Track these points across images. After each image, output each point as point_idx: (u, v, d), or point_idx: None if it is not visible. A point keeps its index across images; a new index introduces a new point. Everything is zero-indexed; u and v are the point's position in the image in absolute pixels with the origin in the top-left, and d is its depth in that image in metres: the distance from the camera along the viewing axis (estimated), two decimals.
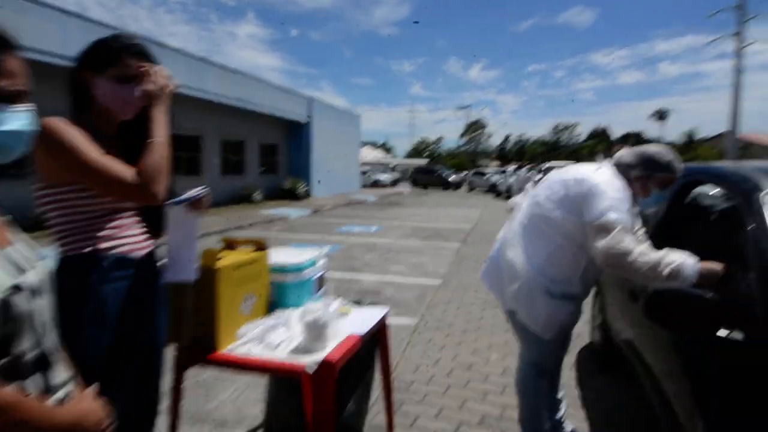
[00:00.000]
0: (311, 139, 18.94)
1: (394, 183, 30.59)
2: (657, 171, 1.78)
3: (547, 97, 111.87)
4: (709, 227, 2.59)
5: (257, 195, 15.52)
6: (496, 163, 60.15)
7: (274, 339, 1.52)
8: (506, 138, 69.04)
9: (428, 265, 6.39)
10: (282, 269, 1.80)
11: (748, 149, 33.19)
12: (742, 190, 1.63)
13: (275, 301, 1.79)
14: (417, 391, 2.82)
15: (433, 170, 31.02)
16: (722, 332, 1.30)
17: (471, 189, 27.21)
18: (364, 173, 27.61)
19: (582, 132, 65.21)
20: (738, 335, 1.27)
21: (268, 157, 18.24)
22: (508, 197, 17.41)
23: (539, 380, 2.03)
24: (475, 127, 66.71)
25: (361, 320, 1.83)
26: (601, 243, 1.60)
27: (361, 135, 26.15)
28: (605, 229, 1.60)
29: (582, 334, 3.45)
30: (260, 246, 1.74)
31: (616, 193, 1.68)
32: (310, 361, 1.43)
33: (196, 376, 2.73)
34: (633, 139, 63.80)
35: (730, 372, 1.32)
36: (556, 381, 2.20)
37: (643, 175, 1.78)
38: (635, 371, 2.17)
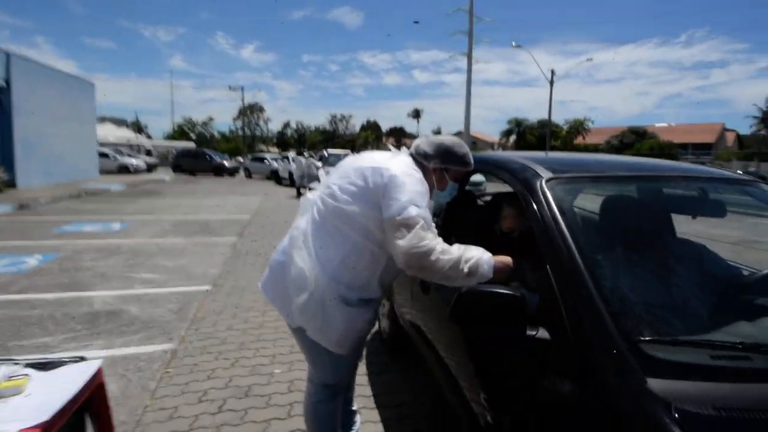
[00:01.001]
0: (12, 110, 14.07)
1: (150, 169, 26.49)
2: (453, 163, 1.75)
3: (322, 88, 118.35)
4: (481, 213, 2.85)
5: None
6: (275, 149, 59.92)
7: None
8: (286, 124, 69.38)
9: (194, 268, 5.44)
10: None
11: (475, 145, 43.88)
12: (523, 178, 1.66)
13: None
14: None
15: (204, 154, 28.29)
16: (531, 331, 1.22)
17: (249, 175, 26.04)
18: (104, 156, 22.82)
19: (356, 124, 71.65)
20: (545, 334, 1.21)
21: None
22: (292, 184, 17.47)
23: (333, 402, 1.84)
24: (252, 110, 64.44)
25: (43, 398, 1.09)
26: (402, 242, 1.43)
27: (95, 108, 21.53)
28: (406, 225, 1.45)
29: None
30: None
31: (416, 185, 1.56)
32: None
33: None
34: (397, 132, 74.40)
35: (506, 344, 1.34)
36: (350, 394, 2.11)
37: (440, 167, 1.73)
38: (423, 356, 2.21)
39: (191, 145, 43.40)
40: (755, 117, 42.07)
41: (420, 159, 1.75)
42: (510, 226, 1.98)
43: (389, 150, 1.83)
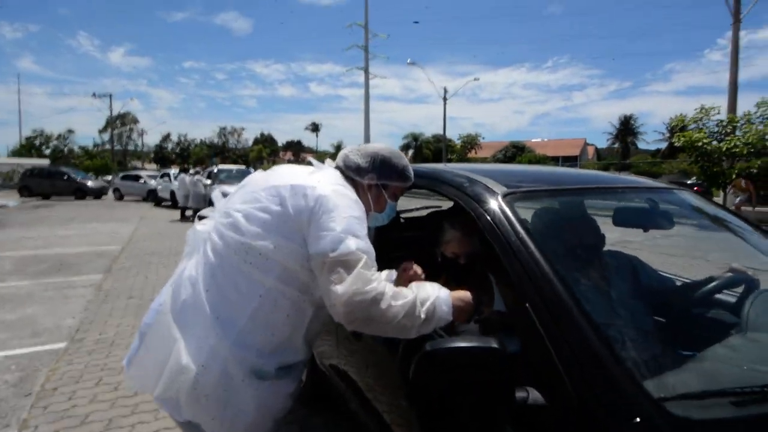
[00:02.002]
0: None
1: None
2: (392, 178, 1.48)
3: (209, 98, 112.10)
4: (412, 234, 2.61)
5: None
6: (154, 165, 54.84)
7: None
8: (166, 137, 63.80)
9: (43, 319, 4.42)
10: None
11: None
12: (474, 193, 1.44)
13: None
14: None
15: (60, 173, 24.59)
16: (519, 393, 0.96)
17: (120, 197, 23.20)
18: None
19: (248, 137, 68.84)
20: (537, 396, 0.96)
21: None
22: (174, 205, 15.77)
23: None
24: (123, 121, 58.19)
25: None
26: (340, 287, 1.12)
27: None
28: (344, 264, 1.14)
29: None
30: None
31: (352, 208, 1.26)
32: None
33: None
34: (295, 146, 73.20)
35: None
36: None
37: (377, 183, 1.46)
38: (343, 396, 2.08)
39: (44, 162, 37.60)
40: (610, 133, 53.48)
41: (351, 174, 1.45)
42: (456, 251, 1.75)
43: (290, 164, 1.48)
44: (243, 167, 19.26)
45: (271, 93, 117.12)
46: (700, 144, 12.45)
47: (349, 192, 1.31)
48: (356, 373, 1.98)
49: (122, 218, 14.15)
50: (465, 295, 1.28)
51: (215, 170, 15.31)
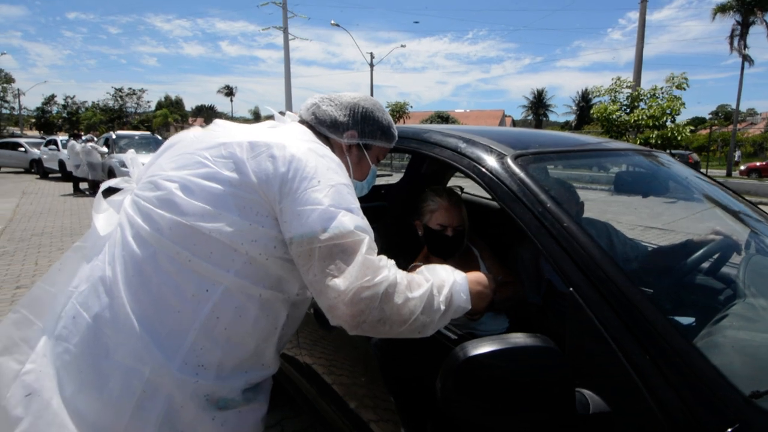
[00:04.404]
0: None
1: None
2: (377, 137, 1.21)
3: (100, 55, 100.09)
4: (385, 203, 2.36)
5: None
6: (37, 132, 48.17)
7: None
8: (50, 99, 55.82)
9: None
10: None
11: None
12: (478, 156, 1.22)
13: None
14: None
15: None
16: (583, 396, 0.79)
17: None
18: None
19: (151, 101, 62.80)
20: (598, 402, 0.80)
21: None
22: (66, 178, 13.82)
23: None
24: None
25: None
26: (340, 281, 0.85)
27: None
28: (341, 250, 0.87)
29: None
30: None
31: (337, 174, 0.97)
32: None
33: None
34: (207, 111, 68.27)
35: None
36: None
37: (359, 142, 1.19)
38: (302, 391, 1.90)
39: None
40: (524, 105, 58.93)
41: (324, 130, 1.16)
42: (443, 222, 1.53)
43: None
44: (147, 133, 17.37)
45: (176, 51, 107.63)
46: (612, 116, 13.43)
47: (329, 152, 1.03)
48: (322, 366, 1.74)
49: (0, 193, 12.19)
50: (481, 277, 1.07)
51: (113, 137, 13.57)
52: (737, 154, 26.28)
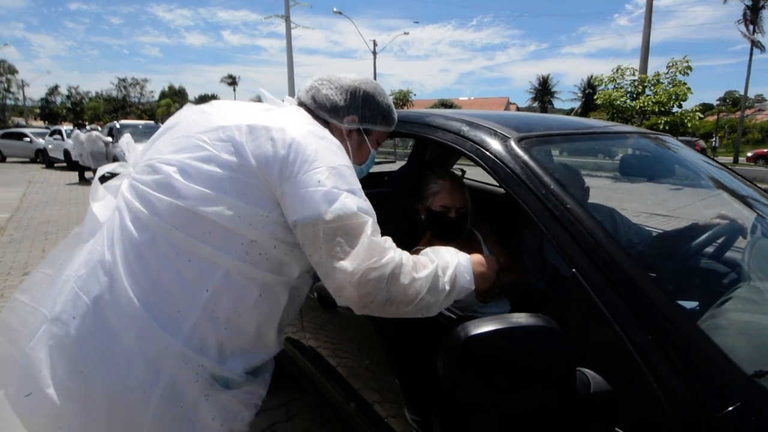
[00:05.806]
0: None
1: None
2: (377, 121, 1.20)
3: (103, 46, 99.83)
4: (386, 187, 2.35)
5: None
6: (41, 122, 48.32)
7: None
8: (53, 90, 55.85)
9: None
10: None
11: None
12: (481, 139, 1.21)
13: None
14: None
15: None
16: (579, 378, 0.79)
17: (2, 158, 20.13)
18: None
19: (154, 90, 62.69)
20: (599, 380, 0.80)
21: None
22: (71, 167, 13.88)
23: None
24: None
25: None
26: (347, 264, 0.86)
27: None
28: (346, 231, 0.87)
29: None
30: None
31: (338, 156, 0.97)
32: None
33: None
34: (210, 100, 68.28)
35: None
36: None
37: (360, 127, 1.18)
38: (308, 375, 1.91)
39: None
40: (529, 92, 58.34)
41: (323, 114, 1.15)
42: (446, 204, 1.53)
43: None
44: (151, 122, 17.36)
45: (178, 41, 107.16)
46: (617, 102, 13.29)
47: (329, 135, 1.02)
48: (326, 348, 1.75)
49: (5, 182, 12.27)
50: (482, 259, 1.07)
51: (117, 126, 13.57)
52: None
